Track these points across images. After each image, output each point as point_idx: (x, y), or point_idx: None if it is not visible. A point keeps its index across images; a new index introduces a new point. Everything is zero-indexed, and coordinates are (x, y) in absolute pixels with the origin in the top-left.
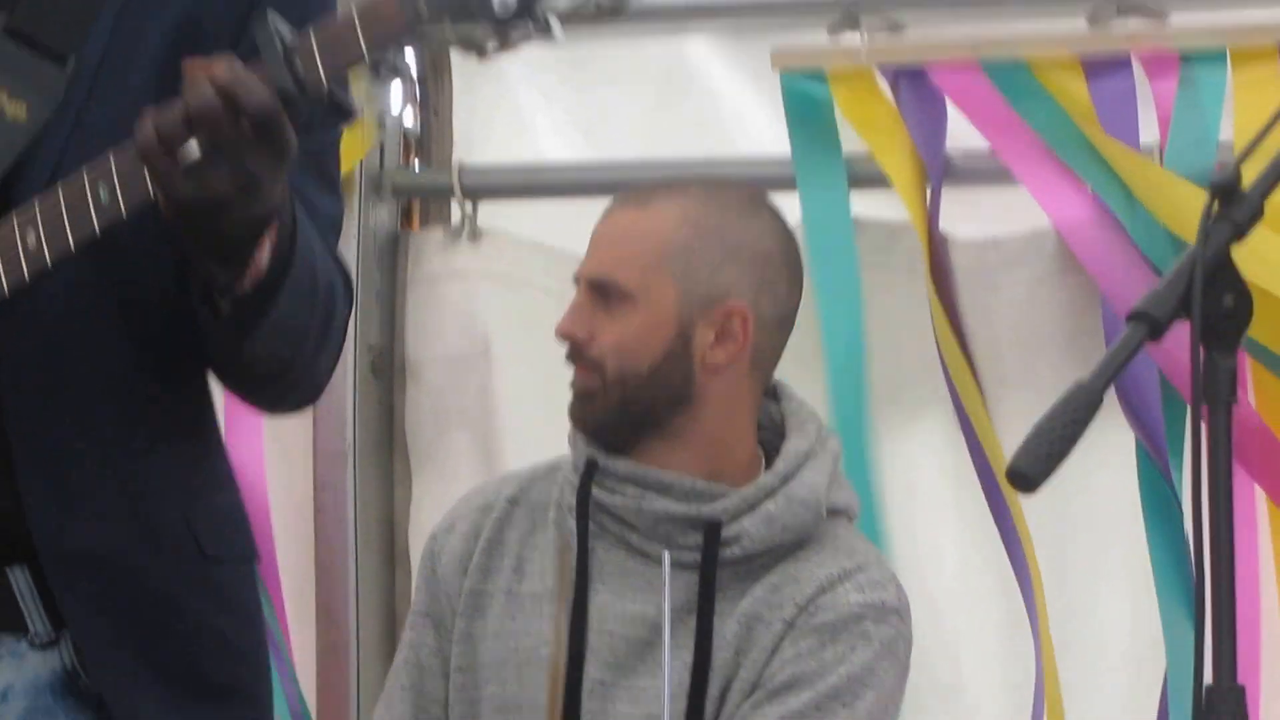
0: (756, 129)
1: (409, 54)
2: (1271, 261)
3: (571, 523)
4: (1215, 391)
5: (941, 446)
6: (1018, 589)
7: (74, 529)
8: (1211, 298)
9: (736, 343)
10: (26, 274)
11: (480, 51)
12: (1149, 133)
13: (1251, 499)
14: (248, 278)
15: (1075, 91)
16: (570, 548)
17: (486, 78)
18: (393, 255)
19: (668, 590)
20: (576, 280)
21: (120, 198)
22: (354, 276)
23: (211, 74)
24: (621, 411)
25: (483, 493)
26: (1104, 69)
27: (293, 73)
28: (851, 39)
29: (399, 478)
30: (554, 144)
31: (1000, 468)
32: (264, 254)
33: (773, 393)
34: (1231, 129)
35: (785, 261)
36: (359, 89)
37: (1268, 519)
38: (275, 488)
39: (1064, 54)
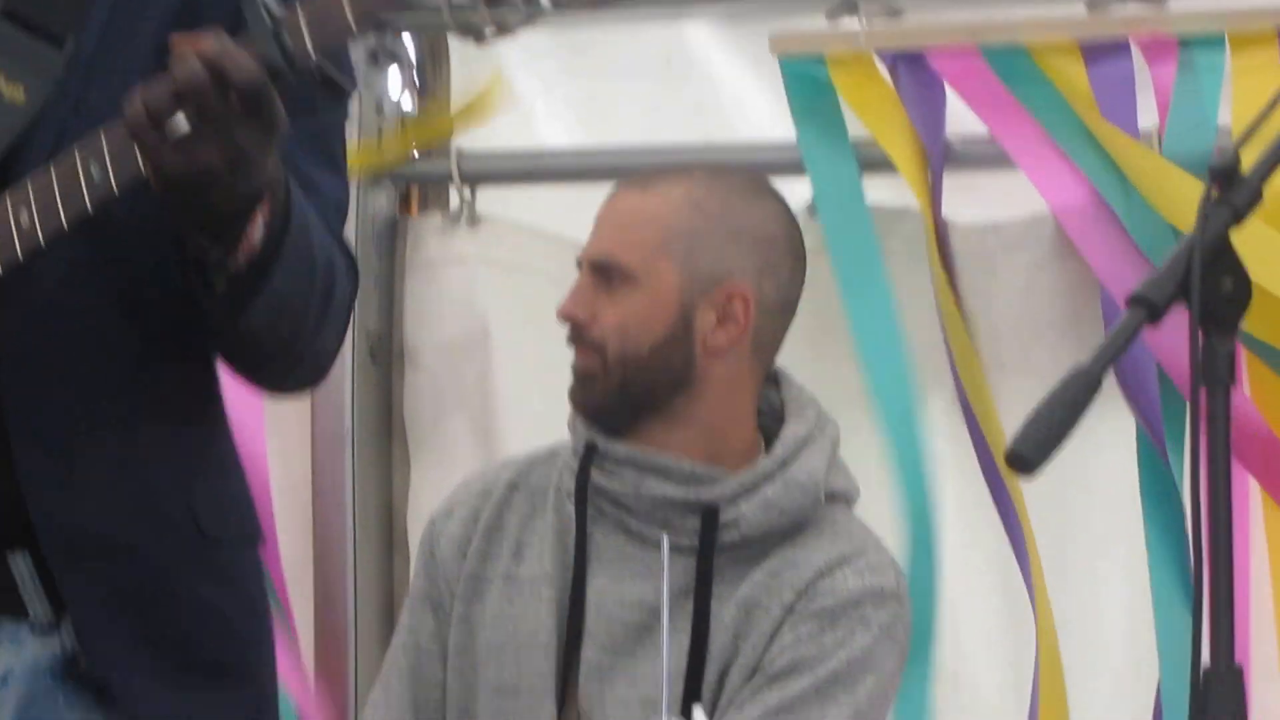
0: (756, 114)
1: (407, 40)
2: (1266, 257)
3: (570, 507)
4: (1214, 374)
5: (941, 430)
6: (1017, 571)
7: (73, 511)
8: (1210, 281)
9: (738, 325)
10: (20, 253)
11: (478, 37)
12: (1148, 118)
13: (1245, 488)
14: (241, 254)
15: (1074, 76)
16: (569, 531)
17: (485, 64)
18: (391, 241)
19: (667, 573)
20: (579, 263)
21: (112, 175)
22: None
23: (199, 48)
24: (622, 393)
25: (482, 478)
26: (1103, 54)
27: (280, 46)
28: (850, 24)
29: (397, 463)
30: (552, 129)
31: (1000, 451)
32: (257, 230)
33: (773, 379)
34: (1230, 114)
35: (788, 247)
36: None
37: (1261, 509)
38: (273, 473)
39: (1063, 39)
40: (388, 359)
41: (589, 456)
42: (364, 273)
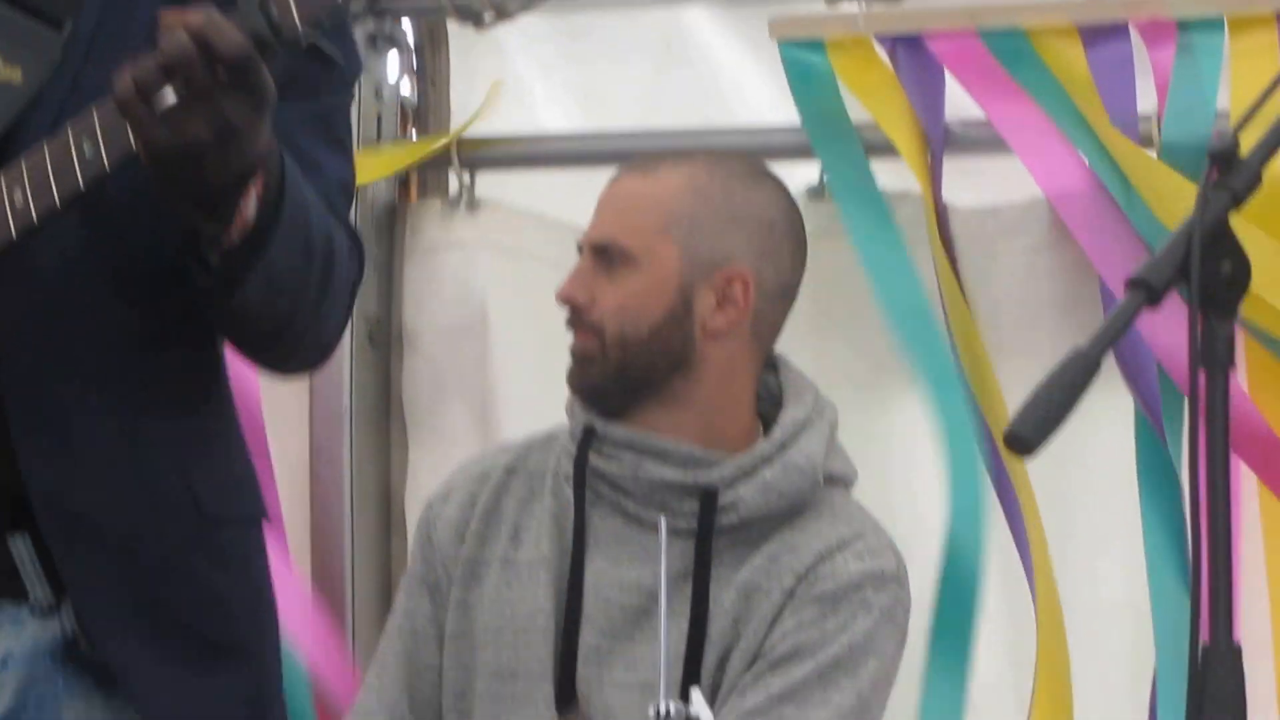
0: (755, 98)
1: (406, 25)
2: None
3: (568, 491)
4: (1213, 357)
5: None
6: (1016, 552)
7: (72, 493)
8: (1209, 264)
9: (737, 308)
10: (14, 232)
11: (477, 21)
12: (1147, 101)
13: (1236, 473)
14: (235, 229)
15: (1073, 60)
16: (567, 515)
17: (484, 48)
18: (390, 226)
19: (665, 554)
20: (579, 248)
21: (103, 151)
22: None
23: (186, 21)
24: (620, 375)
25: (479, 462)
26: (1101, 37)
27: (267, 18)
28: (849, 7)
29: (396, 446)
30: (551, 114)
31: (1001, 433)
32: (250, 205)
33: (771, 364)
34: (1229, 97)
35: (789, 232)
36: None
37: (1255, 496)
38: (272, 456)
39: (1062, 22)
40: (386, 343)
41: (587, 440)
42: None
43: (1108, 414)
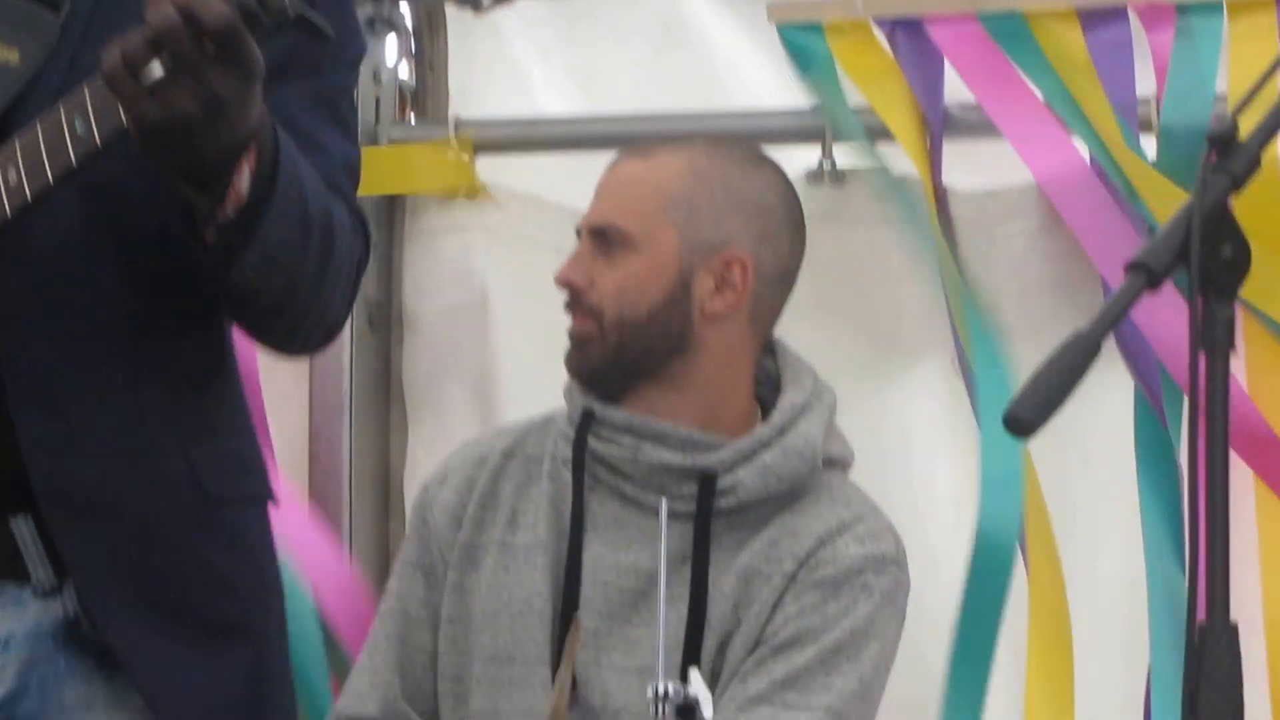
0: (754, 81)
1: (404, 8)
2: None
3: (566, 474)
4: (1213, 340)
5: (940, 394)
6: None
7: (74, 474)
8: (1209, 247)
9: (736, 292)
10: (8, 210)
11: (475, 5)
12: (1145, 84)
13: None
14: (229, 204)
15: (1072, 43)
16: (564, 499)
17: (482, 32)
18: (390, 209)
19: (665, 536)
20: (578, 232)
21: (95, 127)
22: None
23: None
24: (618, 357)
25: (476, 446)
26: (1100, 20)
27: None
28: None
29: (395, 428)
30: (550, 97)
31: None
32: (243, 179)
33: (770, 349)
34: (1227, 80)
35: (787, 217)
36: None
37: (1250, 486)
38: (270, 437)
39: (1061, 5)
40: (386, 326)
41: (586, 423)
42: None
43: (1107, 395)
